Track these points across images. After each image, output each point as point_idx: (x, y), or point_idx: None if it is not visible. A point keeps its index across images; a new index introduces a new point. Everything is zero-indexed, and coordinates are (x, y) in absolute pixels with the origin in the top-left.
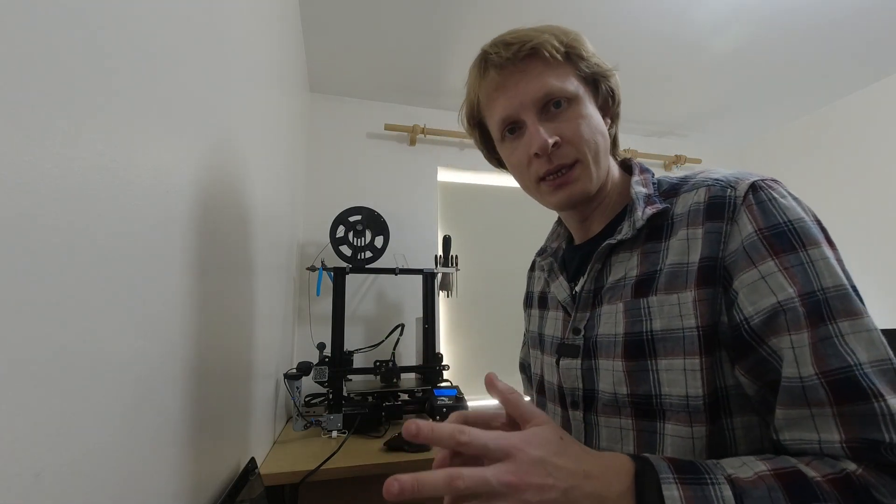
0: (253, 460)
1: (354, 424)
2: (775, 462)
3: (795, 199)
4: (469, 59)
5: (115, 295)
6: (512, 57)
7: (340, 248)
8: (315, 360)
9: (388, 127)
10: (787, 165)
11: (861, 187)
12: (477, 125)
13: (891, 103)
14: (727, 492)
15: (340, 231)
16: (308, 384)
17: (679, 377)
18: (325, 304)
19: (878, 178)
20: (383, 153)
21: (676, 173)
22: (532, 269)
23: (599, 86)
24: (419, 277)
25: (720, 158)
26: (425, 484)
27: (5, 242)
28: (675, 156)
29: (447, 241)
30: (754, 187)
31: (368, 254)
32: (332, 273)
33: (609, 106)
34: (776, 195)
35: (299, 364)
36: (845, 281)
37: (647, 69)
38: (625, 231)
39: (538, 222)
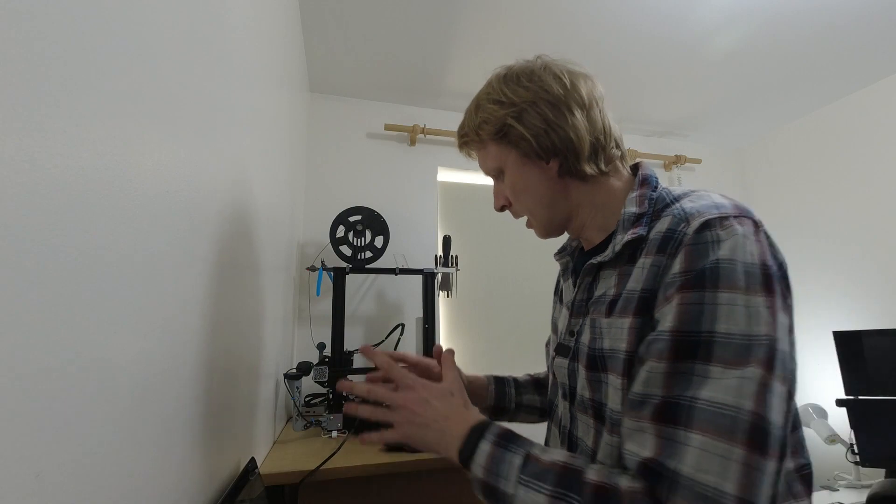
0: (253, 460)
1: (354, 424)
2: (575, 459)
3: (746, 239)
4: (469, 58)
5: (114, 295)
6: (460, 147)
7: (340, 248)
8: (315, 360)
9: (388, 127)
10: (786, 165)
11: (861, 187)
12: None
13: (891, 103)
14: (518, 460)
15: (340, 231)
16: (308, 384)
17: (613, 392)
18: (325, 304)
19: (877, 177)
20: (383, 153)
21: (680, 189)
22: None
23: (519, 140)
24: (419, 277)
25: (720, 158)
26: (357, 389)
27: (5, 242)
28: (675, 156)
29: (447, 241)
30: (705, 224)
31: (368, 254)
32: (332, 273)
33: (543, 151)
34: (722, 236)
35: (299, 364)
36: (742, 331)
37: (647, 69)
38: (607, 253)
39: None
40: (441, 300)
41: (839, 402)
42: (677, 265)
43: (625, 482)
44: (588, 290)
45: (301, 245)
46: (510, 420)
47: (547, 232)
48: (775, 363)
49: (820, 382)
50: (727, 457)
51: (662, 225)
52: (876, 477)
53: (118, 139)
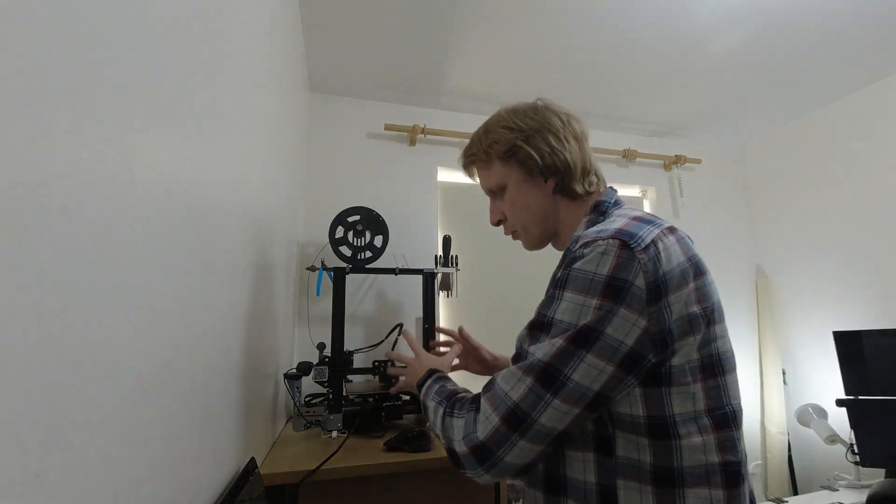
0: (253, 460)
1: (354, 424)
2: (466, 390)
3: (605, 256)
4: (469, 58)
5: (114, 295)
6: (464, 166)
7: (340, 248)
8: (315, 360)
9: (388, 127)
10: (787, 165)
11: (861, 187)
12: None
13: (891, 103)
14: (436, 385)
15: (339, 231)
16: (308, 384)
17: None
18: (325, 304)
19: (877, 177)
20: (383, 153)
21: (625, 211)
22: None
23: (524, 160)
24: (419, 277)
25: (720, 158)
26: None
27: (5, 242)
28: (676, 156)
29: (447, 241)
30: (583, 245)
31: (368, 254)
32: (332, 273)
33: (545, 170)
34: (586, 254)
35: (299, 364)
36: (568, 320)
37: (647, 69)
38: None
39: None
40: (441, 300)
41: (839, 402)
42: (559, 269)
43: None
44: None
45: (301, 245)
46: None
47: (533, 245)
48: (588, 343)
49: (820, 382)
50: (521, 380)
51: (571, 245)
52: (876, 477)
53: (118, 139)
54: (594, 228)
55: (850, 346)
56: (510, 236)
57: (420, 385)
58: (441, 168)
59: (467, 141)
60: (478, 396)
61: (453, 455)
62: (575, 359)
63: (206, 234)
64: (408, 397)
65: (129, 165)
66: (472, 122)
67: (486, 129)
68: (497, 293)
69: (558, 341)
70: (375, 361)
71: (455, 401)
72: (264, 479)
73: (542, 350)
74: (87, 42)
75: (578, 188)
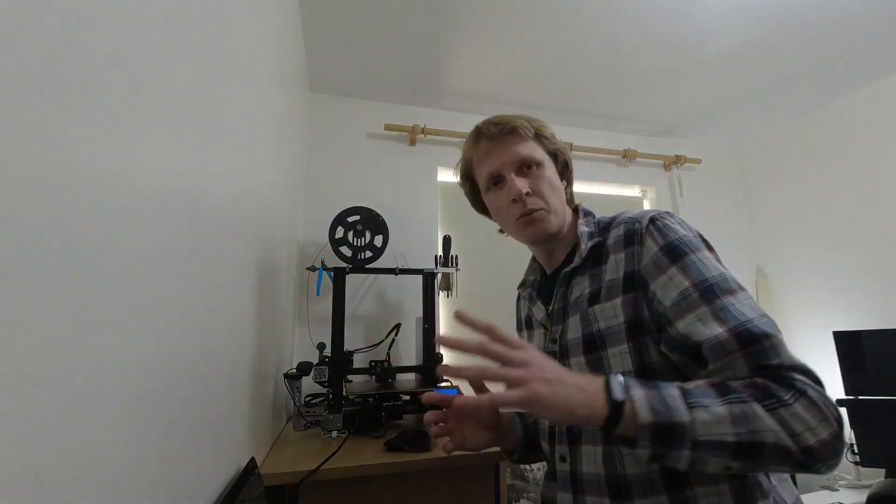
0: (253, 460)
1: (354, 424)
2: (706, 381)
3: (681, 223)
4: (469, 59)
5: (114, 295)
6: (499, 132)
7: (340, 248)
8: (315, 360)
9: (388, 127)
10: (786, 165)
11: (861, 187)
12: (468, 179)
13: (891, 103)
14: (675, 390)
15: (339, 232)
16: (308, 384)
17: (618, 360)
18: (325, 304)
19: (877, 177)
20: (383, 153)
21: (609, 215)
22: (518, 299)
23: (558, 158)
24: (419, 277)
25: (720, 158)
26: (464, 345)
27: (5, 242)
28: (675, 156)
29: (447, 241)
30: (651, 220)
31: (368, 254)
32: (332, 273)
33: (565, 172)
34: (667, 222)
35: (299, 364)
36: (723, 271)
37: (647, 69)
38: (575, 261)
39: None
40: (441, 300)
41: (839, 402)
42: (651, 246)
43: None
44: (563, 298)
45: (301, 245)
46: (538, 458)
47: (551, 229)
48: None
49: None
50: (781, 343)
51: (618, 231)
52: (876, 477)
53: (118, 139)
54: (627, 214)
55: (850, 346)
56: (510, 240)
57: (618, 405)
58: (441, 168)
59: (464, 151)
60: (768, 375)
61: (811, 451)
62: (750, 302)
63: (205, 234)
64: (408, 397)
65: (129, 165)
66: (472, 123)
67: (531, 117)
68: (497, 293)
69: (743, 294)
70: (372, 361)
71: (749, 389)
72: (264, 479)
73: (748, 308)
74: (87, 42)
75: (572, 198)
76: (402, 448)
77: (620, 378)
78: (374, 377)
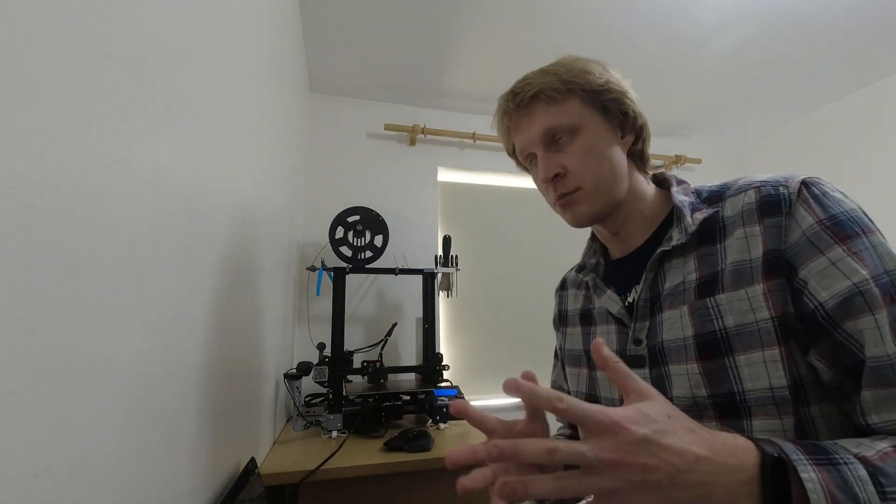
0: (253, 460)
1: (354, 424)
2: (891, 440)
3: (842, 192)
4: (469, 59)
5: (114, 295)
6: (518, 105)
7: (340, 248)
8: (315, 360)
9: (388, 127)
10: (786, 165)
11: (861, 187)
12: (515, 158)
13: (891, 103)
14: (861, 471)
15: (339, 232)
16: (308, 384)
17: (761, 370)
18: (325, 304)
19: (877, 177)
20: (383, 153)
21: (712, 184)
22: (562, 287)
23: (609, 109)
24: (419, 277)
25: (720, 158)
26: (523, 450)
27: (6, 242)
28: (676, 156)
29: (447, 241)
30: (805, 184)
31: (368, 253)
32: (332, 273)
33: (626, 124)
34: (827, 189)
35: (299, 364)
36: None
37: (647, 69)
38: (676, 237)
39: (538, 222)
40: (441, 300)
41: None
42: (808, 218)
43: None
44: (653, 287)
45: (301, 245)
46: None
47: (596, 210)
48: None
49: None
50: None
51: (745, 198)
52: None
53: (118, 139)
54: (755, 177)
55: None
56: (510, 240)
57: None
58: (441, 168)
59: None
60: None
61: None
62: None
63: (205, 234)
64: (408, 397)
65: (129, 165)
66: (472, 122)
67: (564, 63)
68: (497, 293)
69: None
70: (364, 362)
71: None
72: (264, 479)
73: None
74: (87, 43)
75: (648, 154)
76: (402, 448)
77: (771, 449)
78: (366, 377)
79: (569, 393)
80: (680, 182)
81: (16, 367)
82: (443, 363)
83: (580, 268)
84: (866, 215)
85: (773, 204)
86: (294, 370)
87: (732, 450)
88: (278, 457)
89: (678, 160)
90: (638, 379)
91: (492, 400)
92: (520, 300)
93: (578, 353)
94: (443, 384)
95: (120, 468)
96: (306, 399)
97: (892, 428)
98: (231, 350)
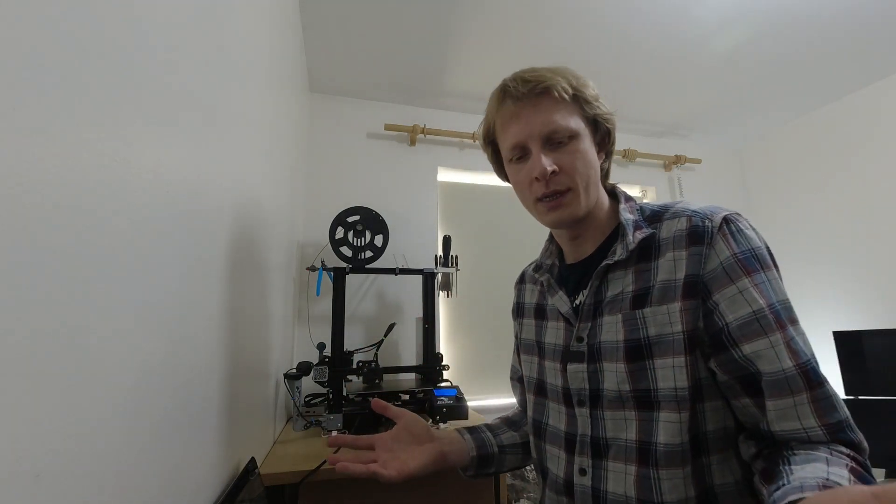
0: (253, 460)
1: (354, 424)
2: (834, 463)
3: (754, 230)
4: (469, 59)
5: (115, 295)
6: (528, 92)
7: (340, 248)
8: (315, 360)
9: (388, 127)
10: (786, 165)
11: (861, 187)
12: (490, 144)
13: (891, 103)
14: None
15: (339, 232)
16: (308, 384)
17: (669, 373)
18: (325, 304)
19: (877, 177)
20: (383, 153)
21: (655, 202)
22: (521, 281)
23: (599, 126)
24: (419, 277)
25: (720, 158)
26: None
27: (6, 241)
28: (675, 156)
29: (447, 241)
30: (726, 220)
31: (369, 253)
32: (332, 273)
33: (605, 143)
34: (742, 227)
35: (299, 364)
36: (786, 296)
37: (647, 69)
38: (619, 253)
39: (538, 223)
40: (441, 300)
41: None
42: (724, 250)
43: (839, 449)
44: (596, 293)
45: (301, 245)
46: (498, 470)
47: (582, 212)
48: (795, 315)
49: None
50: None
51: (678, 225)
52: (876, 477)
53: (118, 139)
54: (687, 207)
55: (850, 346)
56: (509, 240)
57: None
58: (441, 168)
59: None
60: (844, 441)
61: None
62: None
63: (205, 234)
64: (407, 397)
65: (129, 165)
66: (472, 122)
67: (568, 70)
68: (497, 293)
69: (800, 327)
70: (360, 362)
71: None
72: (264, 479)
73: (808, 345)
74: (87, 42)
75: (609, 174)
76: None
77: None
78: (361, 378)
79: (522, 377)
80: (628, 199)
81: (16, 367)
82: (443, 363)
83: (537, 267)
84: (769, 253)
85: (699, 234)
86: (294, 370)
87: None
88: (278, 457)
89: (678, 160)
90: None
91: (492, 400)
92: None
93: (532, 343)
94: (443, 384)
95: (120, 468)
96: (306, 399)
97: (788, 436)
98: (231, 350)
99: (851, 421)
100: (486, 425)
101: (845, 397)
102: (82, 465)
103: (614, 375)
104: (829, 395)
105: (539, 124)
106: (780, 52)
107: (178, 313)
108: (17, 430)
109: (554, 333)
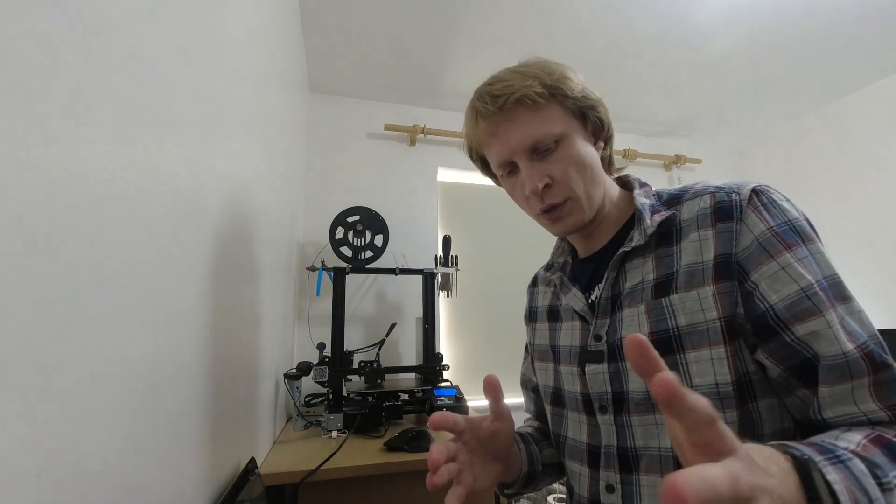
0: (253, 460)
1: (354, 424)
2: (860, 431)
3: (789, 201)
4: (469, 58)
5: (115, 295)
6: (499, 109)
7: (340, 248)
8: (315, 360)
9: (388, 127)
10: (786, 165)
11: (861, 187)
12: (480, 159)
13: (891, 103)
14: (860, 465)
15: (340, 232)
16: (308, 384)
17: (707, 367)
18: (325, 304)
19: (877, 177)
20: (383, 153)
21: (672, 188)
22: (534, 284)
23: (588, 116)
24: (419, 277)
25: (720, 158)
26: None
27: (7, 243)
28: (675, 156)
29: (447, 241)
30: (756, 192)
31: (369, 254)
32: (332, 273)
33: (600, 132)
34: (775, 198)
35: (299, 364)
36: (836, 270)
37: (647, 69)
38: (636, 239)
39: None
40: (441, 300)
41: None
42: (760, 224)
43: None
44: (614, 285)
45: (301, 245)
46: (534, 488)
47: (584, 218)
48: (850, 291)
49: None
50: None
51: (701, 203)
52: None
53: (118, 140)
54: (711, 183)
55: None
56: (510, 240)
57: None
58: (441, 168)
59: (467, 131)
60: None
61: None
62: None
63: (205, 234)
64: (407, 397)
65: (129, 166)
66: None
67: (546, 68)
68: (497, 293)
69: (858, 304)
70: (362, 362)
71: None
72: (264, 479)
73: (869, 324)
74: (88, 43)
75: (613, 158)
76: (402, 448)
77: (805, 460)
78: (363, 378)
79: (537, 385)
80: (642, 185)
81: (16, 367)
82: (443, 363)
83: (549, 266)
84: (810, 224)
85: (726, 210)
86: (294, 370)
87: (780, 464)
88: (278, 457)
89: (678, 160)
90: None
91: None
92: (520, 300)
93: (546, 348)
94: (443, 384)
95: (120, 468)
96: (306, 399)
97: (846, 421)
98: (231, 350)
99: None
100: (531, 435)
101: None
102: (83, 466)
103: None
104: (894, 378)
105: (519, 139)
106: (779, 52)
107: (178, 313)
108: (17, 430)
109: (569, 335)
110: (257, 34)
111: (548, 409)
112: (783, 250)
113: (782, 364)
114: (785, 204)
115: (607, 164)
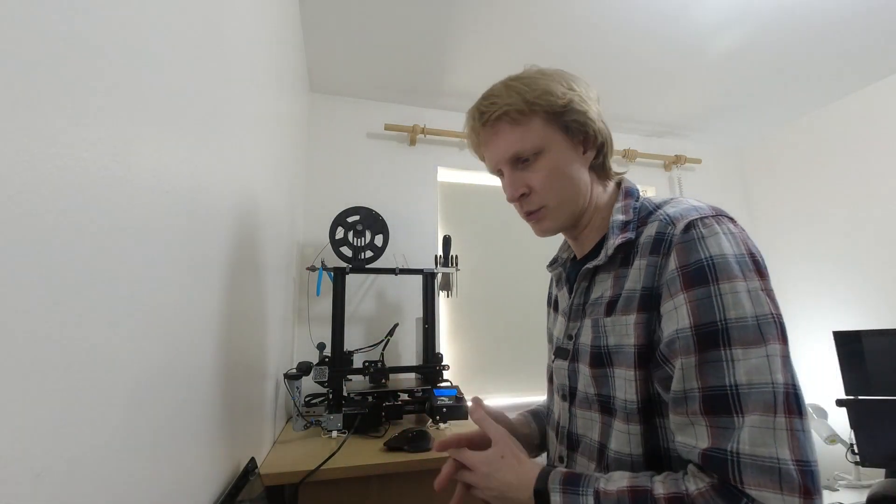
0: (253, 460)
1: (354, 424)
2: (637, 479)
3: (729, 235)
4: (469, 58)
5: (115, 295)
6: (485, 124)
7: (340, 248)
8: (315, 360)
9: (388, 127)
10: (786, 165)
11: (861, 187)
12: (483, 157)
13: (891, 103)
14: (590, 501)
15: (339, 232)
16: (308, 384)
17: (622, 384)
18: (325, 304)
19: (877, 177)
20: (383, 153)
21: (660, 198)
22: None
23: (570, 127)
24: (419, 277)
25: (720, 158)
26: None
27: (6, 242)
28: (675, 156)
29: (447, 241)
30: (689, 225)
31: (369, 254)
32: (332, 273)
33: (589, 141)
34: (706, 233)
35: (299, 364)
36: (750, 313)
37: (647, 69)
38: (600, 257)
39: None
40: (441, 300)
41: (839, 402)
42: (672, 263)
43: (692, 485)
44: (584, 294)
45: (301, 245)
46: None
47: (559, 225)
48: (786, 336)
49: (820, 382)
50: (775, 428)
51: (651, 230)
52: (876, 477)
53: (118, 140)
54: (671, 209)
55: (850, 346)
56: (509, 240)
57: None
58: (441, 168)
59: (468, 140)
60: (719, 482)
61: None
62: (789, 362)
63: (205, 234)
64: (407, 397)
65: (129, 166)
66: None
67: (529, 81)
68: (497, 293)
69: (773, 348)
70: (366, 362)
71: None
72: (264, 479)
73: (761, 370)
74: (88, 42)
75: (608, 166)
76: (402, 448)
77: (545, 479)
78: (367, 377)
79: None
80: (627, 195)
81: (17, 367)
82: (443, 363)
83: (553, 261)
84: (745, 259)
85: (658, 243)
86: (294, 370)
87: (526, 478)
88: (278, 457)
89: (678, 160)
90: (492, 429)
91: (491, 400)
92: (520, 300)
93: (550, 333)
94: (443, 384)
95: (120, 468)
96: (306, 399)
97: (683, 450)
98: (231, 350)
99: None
100: (542, 413)
101: (845, 397)
102: (82, 465)
103: (584, 378)
104: (729, 426)
105: (501, 151)
106: (780, 53)
107: (177, 313)
108: (17, 430)
109: (559, 327)
110: (257, 34)
111: (547, 385)
112: (679, 291)
113: (665, 391)
114: (714, 239)
115: (602, 170)
